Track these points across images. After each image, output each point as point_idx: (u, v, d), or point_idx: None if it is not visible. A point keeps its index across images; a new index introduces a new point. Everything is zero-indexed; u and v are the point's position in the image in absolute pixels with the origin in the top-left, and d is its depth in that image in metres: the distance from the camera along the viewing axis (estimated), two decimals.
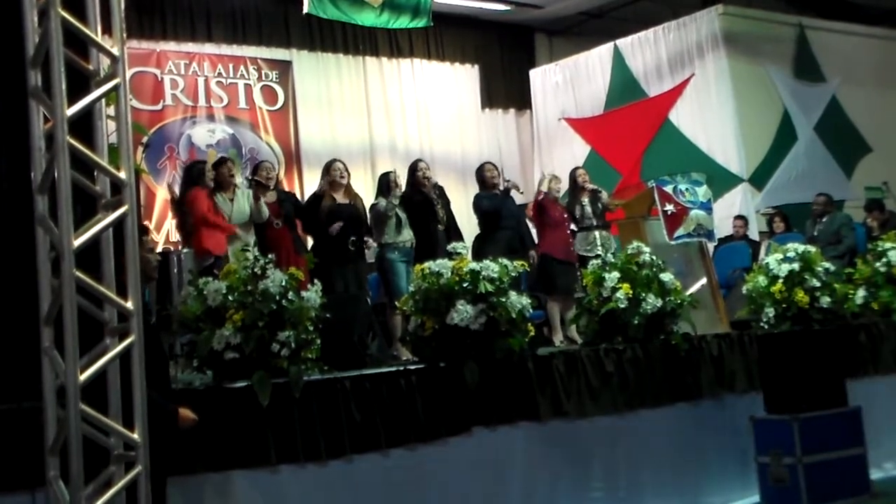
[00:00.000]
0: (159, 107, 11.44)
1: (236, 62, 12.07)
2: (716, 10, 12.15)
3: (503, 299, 5.37)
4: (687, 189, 8.04)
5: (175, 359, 5.13)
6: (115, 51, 3.27)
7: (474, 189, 8.40)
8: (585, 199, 8.46)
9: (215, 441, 4.41)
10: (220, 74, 11.89)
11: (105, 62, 3.36)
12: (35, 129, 3.26)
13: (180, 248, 7.17)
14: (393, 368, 5.19)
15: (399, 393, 5.03)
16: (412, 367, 5.21)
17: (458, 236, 7.55)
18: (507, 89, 14.54)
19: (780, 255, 7.22)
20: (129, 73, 3.36)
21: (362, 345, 5.60)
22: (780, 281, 7.07)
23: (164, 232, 10.74)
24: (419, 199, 7.60)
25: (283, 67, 12.42)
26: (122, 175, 3.25)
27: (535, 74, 14.15)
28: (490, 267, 5.42)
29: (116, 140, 3.31)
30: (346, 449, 4.77)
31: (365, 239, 7.44)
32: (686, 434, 6.23)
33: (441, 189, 7.93)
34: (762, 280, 7.17)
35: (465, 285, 5.34)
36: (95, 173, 3.32)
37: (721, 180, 10.85)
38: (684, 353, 6.29)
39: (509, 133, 14.52)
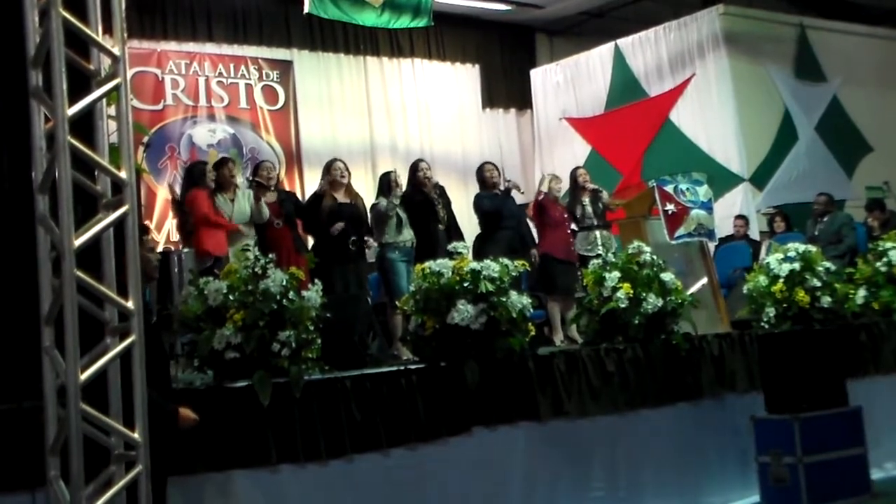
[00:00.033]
0: (160, 106, 11.45)
1: (237, 62, 12.07)
2: (717, 10, 12.15)
3: (504, 299, 5.37)
4: (688, 189, 8.04)
5: (176, 358, 5.14)
6: (116, 51, 3.27)
7: (475, 189, 8.40)
8: (586, 199, 8.46)
9: (216, 441, 4.41)
10: (220, 74, 11.89)
11: (106, 62, 3.36)
12: (36, 129, 3.26)
13: (181, 247, 7.17)
14: (393, 368, 5.19)
15: (399, 393, 5.03)
16: (413, 367, 5.21)
17: (459, 236, 7.55)
18: (507, 89, 14.54)
19: (780, 255, 7.22)
20: (129, 73, 3.36)
21: (363, 344, 5.59)
22: (781, 281, 7.07)
23: (165, 232, 10.74)
24: (420, 198, 7.60)
25: (284, 67, 12.42)
26: (123, 175, 3.25)
27: (535, 74, 14.15)
28: (491, 267, 5.42)
29: (117, 140, 3.31)
30: (347, 449, 4.77)
31: (365, 238, 7.44)
32: (686, 434, 6.23)
33: (442, 189, 7.93)
34: (763, 280, 7.17)
35: (465, 285, 5.34)
36: (96, 173, 3.32)
37: (722, 180, 10.86)
38: (685, 353, 6.29)
39: (510, 133, 14.52)
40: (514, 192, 8.21)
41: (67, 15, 3.14)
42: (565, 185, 8.74)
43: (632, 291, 6.14)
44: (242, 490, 4.50)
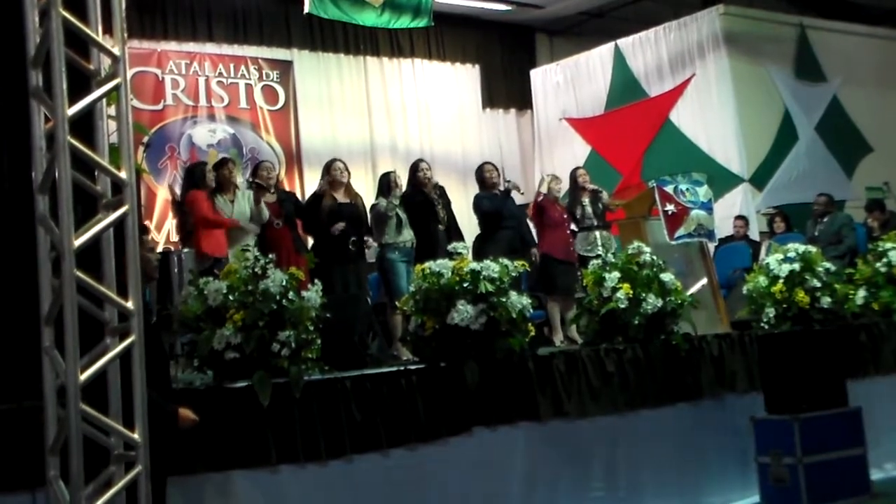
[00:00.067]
0: (160, 106, 11.45)
1: (237, 62, 12.07)
2: (717, 10, 12.15)
3: (503, 299, 5.37)
4: (687, 189, 8.03)
5: (175, 358, 5.14)
6: (116, 51, 3.27)
7: (475, 189, 8.40)
8: (586, 200, 8.47)
9: (215, 441, 4.41)
10: (220, 74, 11.89)
11: (106, 62, 3.36)
12: (36, 129, 3.26)
13: (181, 247, 7.17)
14: (393, 368, 5.19)
15: (399, 393, 5.03)
16: (412, 367, 5.21)
17: (459, 236, 7.55)
18: (507, 89, 14.54)
19: (780, 256, 7.22)
20: (129, 73, 3.36)
21: (363, 345, 5.60)
22: (781, 281, 7.07)
23: (165, 232, 10.74)
24: (420, 199, 7.60)
25: (284, 67, 12.42)
26: (123, 175, 3.25)
27: (535, 74, 14.15)
28: (490, 267, 5.42)
29: (117, 140, 3.31)
30: (347, 449, 4.77)
31: (365, 238, 7.44)
32: (686, 434, 6.23)
33: (442, 189, 7.93)
34: (763, 280, 7.17)
35: (465, 285, 5.34)
36: (96, 173, 3.32)
37: (722, 180, 10.85)
38: (685, 353, 6.29)
39: (510, 133, 14.52)
40: (513, 193, 8.21)
41: (67, 15, 3.14)
42: (565, 185, 8.74)
43: (632, 292, 6.14)
44: (242, 490, 4.50)
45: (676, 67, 12.47)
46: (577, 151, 12.97)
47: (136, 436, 3.21)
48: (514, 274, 5.59)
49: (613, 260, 6.40)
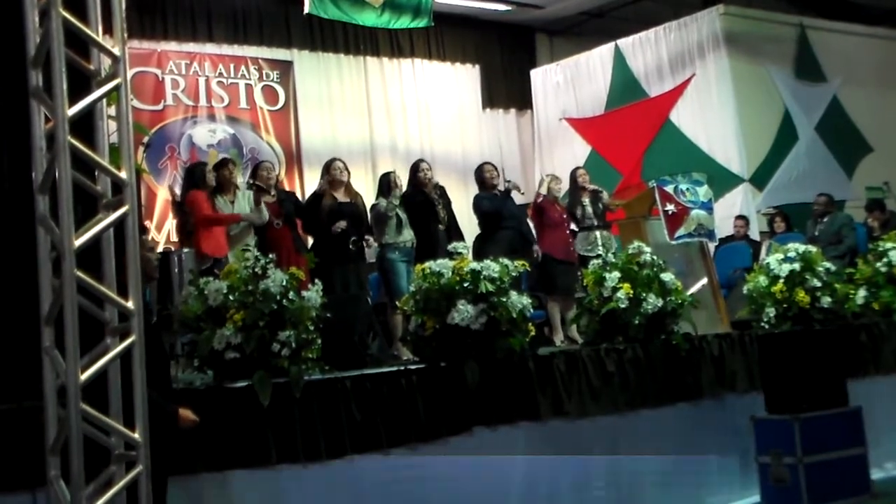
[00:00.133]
0: (160, 107, 11.45)
1: (237, 62, 12.07)
2: (717, 10, 12.15)
3: (504, 299, 5.37)
4: (688, 189, 8.03)
5: (176, 358, 5.14)
6: (116, 51, 3.27)
7: (475, 189, 8.40)
8: (586, 200, 8.47)
9: (216, 441, 4.41)
10: (220, 74, 11.89)
11: (106, 62, 3.35)
12: (36, 129, 3.25)
13: (181, 247, 7.18)
14: (393, 368, 5.19)
15: (400, 393, 5.03)
16: (413, 367, 5.21)
17: (459, 236, 7.55)
18: (507, 89, 14.54)
19: (780, 255, 7.23)
20: (130, 73, 3.36)
21: (363, 345, 5.60)
22: (781, 281, 7.07)
23: (165, 232, 10.74)
24: (420, 199, 7.60)
25: (284, 67, 12.42)
26: (123, 175, 3.24)
27: (535, 74, 14.15)
28: (491, 267, 5.42)
29: (117, 140, 3.31)
30: (347, 449, 4.77)
31: (365, 238, 7.44)
32: (687, 434, 6.23)
33: (442, 189, 7.92)
34: (763, 280, 7.18)
35: (465, 285, 5.34)
36: (96, 173, 3.31)
37: (722, 180, 10.86)
38: (685, 353, 6.29)
39: (510, 133, 14.52)
40: (513, 193, 8.21)
41: (67, 15, 3.14)
42: (565, 185, 8.74)
43: (632, 292, 6.15)
44: (242, 490, 4.50)
45: (676, 67, 12.47)
46: (577, 151, 12.97)
47: (136, 436, 3.20)
48: (514, 274, 5.59)
49: (614, 260, 6.41)
